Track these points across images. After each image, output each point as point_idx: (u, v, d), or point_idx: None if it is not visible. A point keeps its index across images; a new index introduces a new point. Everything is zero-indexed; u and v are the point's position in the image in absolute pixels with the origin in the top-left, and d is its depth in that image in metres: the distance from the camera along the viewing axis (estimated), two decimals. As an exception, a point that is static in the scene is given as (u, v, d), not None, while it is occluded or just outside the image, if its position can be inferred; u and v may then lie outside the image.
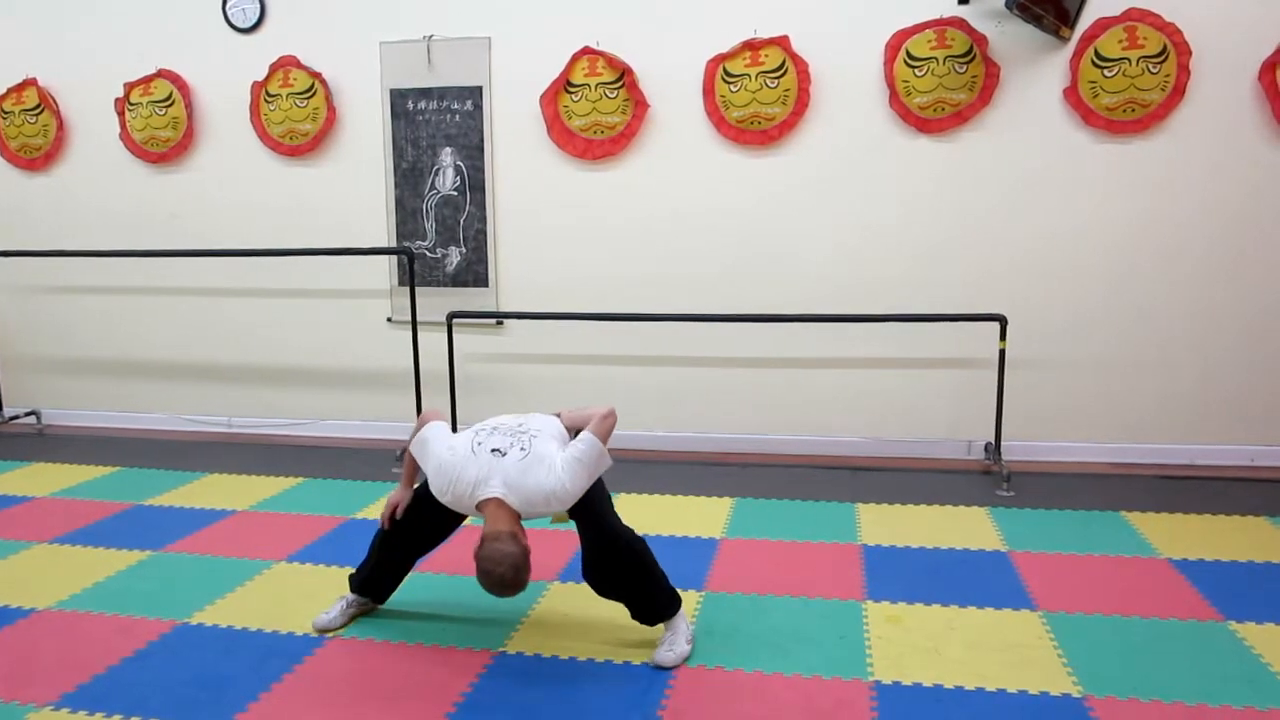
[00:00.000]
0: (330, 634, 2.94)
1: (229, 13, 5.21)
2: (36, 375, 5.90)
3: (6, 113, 5.57)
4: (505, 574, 2.40)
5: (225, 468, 4.84)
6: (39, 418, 5.86)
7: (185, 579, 3.39)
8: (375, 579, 3.02)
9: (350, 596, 3.05)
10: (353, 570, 3.10)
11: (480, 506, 2.54)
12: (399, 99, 5.10)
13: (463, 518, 2.88)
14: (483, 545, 2.44)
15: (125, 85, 5.36)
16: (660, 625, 2.82)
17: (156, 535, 3.84)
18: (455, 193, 5.14)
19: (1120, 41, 4.32)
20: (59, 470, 4.84)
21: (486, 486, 2.53)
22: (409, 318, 5.00)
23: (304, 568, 3.50)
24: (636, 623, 2.82)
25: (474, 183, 5.10)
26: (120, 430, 5.71)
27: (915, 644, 2.83)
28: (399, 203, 5.21)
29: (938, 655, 2.76)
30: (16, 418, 5.83)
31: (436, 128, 5.09)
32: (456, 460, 2.59)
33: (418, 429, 2.78)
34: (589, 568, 2.76)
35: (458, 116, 5.06)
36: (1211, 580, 3.25)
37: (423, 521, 2.88)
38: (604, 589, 2.77)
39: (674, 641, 2.76)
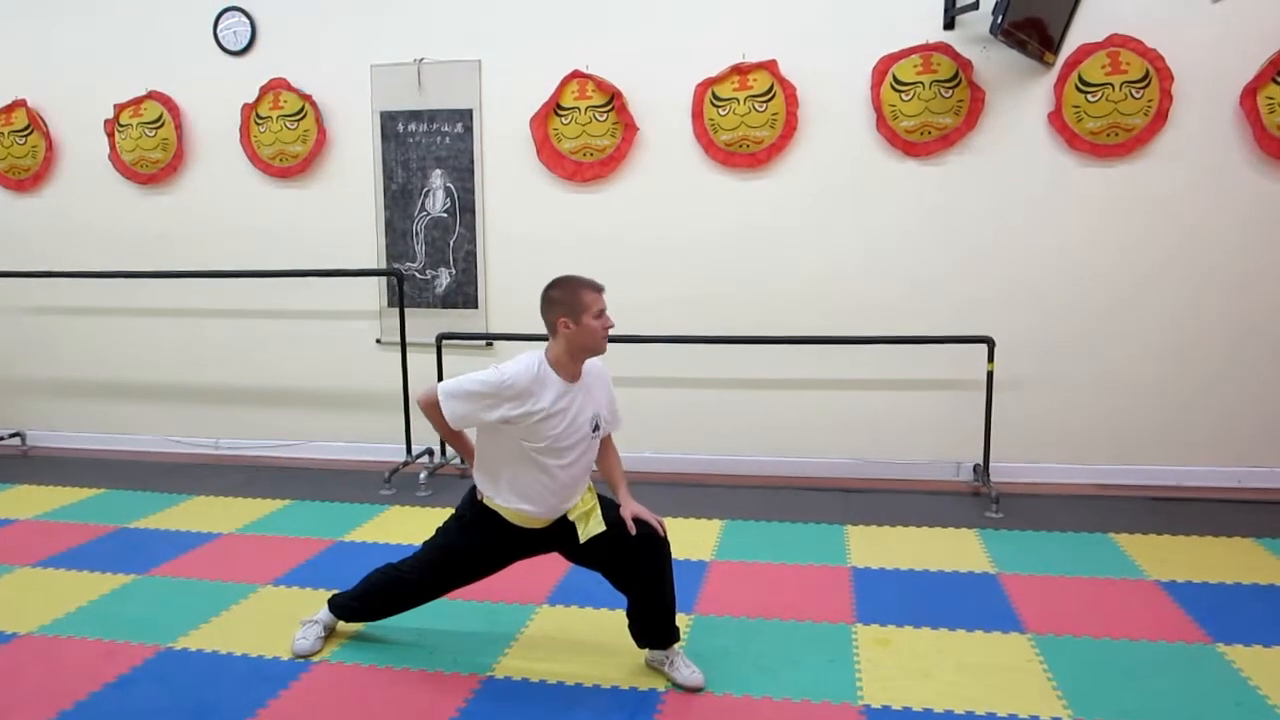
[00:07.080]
0: (316, 658, 2.92)
1: (219, 35, 5.23)
2: (21, 396, 5.86)
3: (-5, 134, 5.57)
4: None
5: (212, 490, 4.81)
6: (24, 439, 5.82)
7: (170, 603, 3.36)
8: (378, 610, 3.00)
9: (327, 620, 3.02)
10: (337, 592, 3.07)
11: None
12: (389, 121, 5.12)
13: (511, 559, 2.87)
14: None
15: (115, 107, 5.36)
16: (645, 650, 2.82)
17: (142, 558, 3.80)
18: (445, 214, 5.15)
19: (1103, 67, 4.37)
20: (43, 492, 4.80)
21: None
22: (398, 339, 5.00)
23: (291, 591, 3.47)
24: (623, 647, 2.80)
25: (464, 204, 5.11)
26: (106, 452, 5.67)
27: (904, 667, 2.83)
28: (389, 224, 5.21)
29: (927, 678, 2.76)
30: (1, 439, 5.79)
31: (427, 150, 5.11)
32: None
33: (435, 402, 2.70)
34: (642, 555, 2.73)
35: (448, 139, 5.08)
36: (1200, 602, 3.26)
37: (473, 563, 2.86)
38: (649, 580, 2.73)
39: (686, 663, 2.75)
